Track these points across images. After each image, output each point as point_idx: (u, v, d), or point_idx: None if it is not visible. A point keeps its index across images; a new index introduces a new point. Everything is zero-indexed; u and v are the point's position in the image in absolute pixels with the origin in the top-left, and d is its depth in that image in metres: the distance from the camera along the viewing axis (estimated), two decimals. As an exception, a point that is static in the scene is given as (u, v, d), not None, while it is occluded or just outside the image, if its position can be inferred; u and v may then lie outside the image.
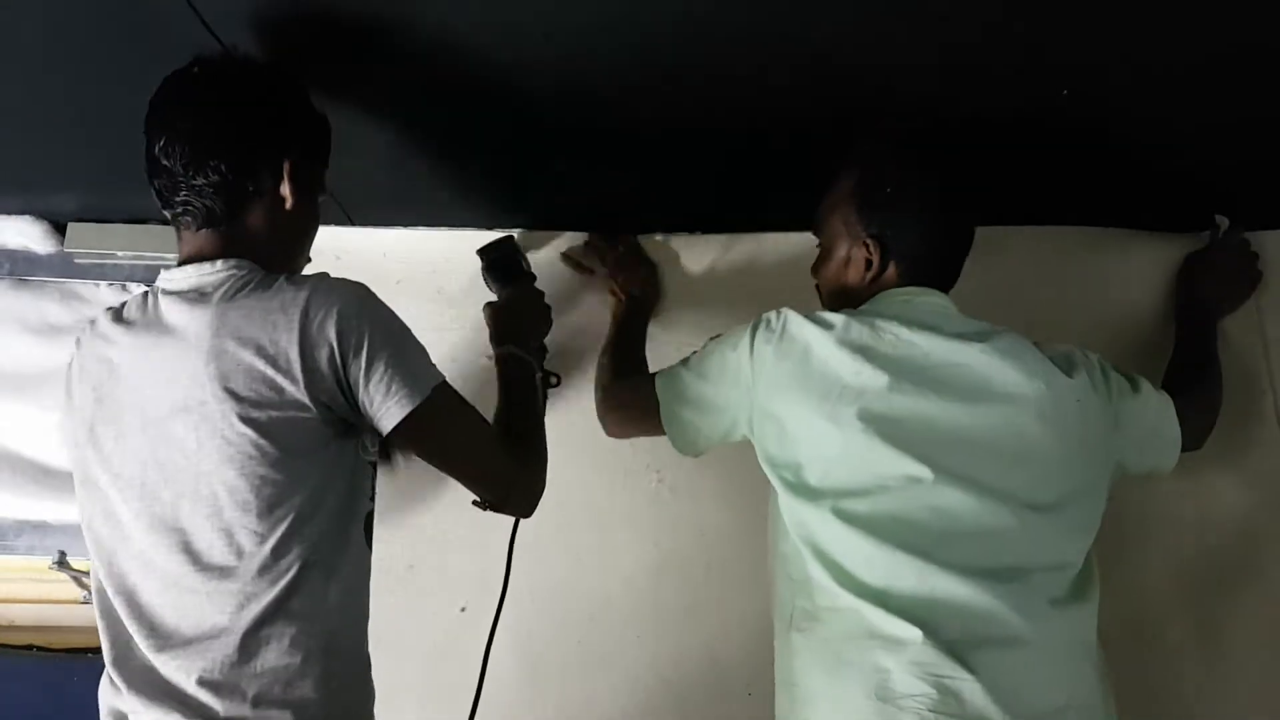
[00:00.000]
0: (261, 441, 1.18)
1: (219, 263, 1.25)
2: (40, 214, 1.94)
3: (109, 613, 1.24)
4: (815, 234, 1.58)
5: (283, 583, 1.19)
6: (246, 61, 1.30)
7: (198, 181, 1.24)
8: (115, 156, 1.69)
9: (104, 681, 1.25)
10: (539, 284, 1.80)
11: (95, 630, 1.81)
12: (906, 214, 1.46)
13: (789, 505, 1.36)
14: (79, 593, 2.06)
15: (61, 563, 1.94)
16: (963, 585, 1.26)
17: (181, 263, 1.28)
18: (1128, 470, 1.47)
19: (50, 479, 1.94)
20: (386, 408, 1.23)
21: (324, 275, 1.26)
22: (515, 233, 1.88)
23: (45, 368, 1.97)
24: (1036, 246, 1.79)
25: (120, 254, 1.95)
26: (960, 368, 1.36)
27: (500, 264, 1.79)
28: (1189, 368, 1.70)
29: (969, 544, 1.29)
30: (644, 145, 1.62)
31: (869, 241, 1.46)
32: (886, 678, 1.24)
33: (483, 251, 1.79)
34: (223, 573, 1.18)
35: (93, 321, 1.31)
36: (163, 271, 1.28)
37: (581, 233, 1.92)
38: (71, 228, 1.94)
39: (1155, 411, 1.50)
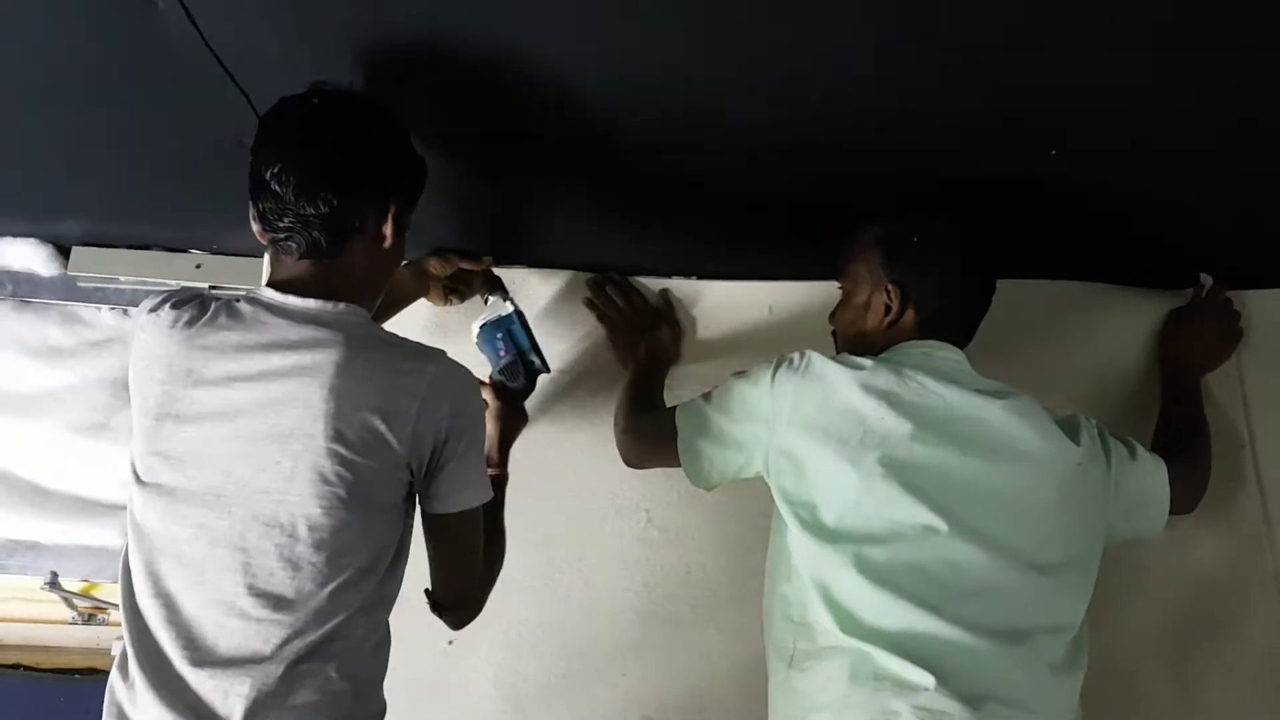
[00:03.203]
0: (355, 488, 1.20)
1: (342, 306, 1.26)
2: (45, 237, 1.95)
3: (139, 615, 1.22)
4: (837, 279, 1.61)
5: (330, 625, 1.21)
6: (364, 98, 1.31)
7: (306, 211, 1.24)
8: (121, 183, 1.73)
9: (115, 681, 1.24)
10: (534, 318, 1.82)
11: (84, 652, 1.82)
12: (930, 264, 1.49)
13: (802, 544, 1.37)
14: (69, 614, 2.06)
15: (53, 584, 1.94)
16: (974, 641, 1.28)
17: (277, 284, 1.28)
18: (1115, 536, 1.49)
19: (45, 500, 1.95)
20: (457, 494, 1.30)
21: (444, 354, 1.29)
22: (518, 271, 1.89)
23: (44, 388, 1.99)
24: (1023, 300, 1.81)
25: (123, 279, 1.96)
26: (981, 423, 1.39)
27: (517, 367, 1.74)
28: (1179, 429, 1.71)
29: (979, 601, 1.31)
30: (653, 189, 1.65)
31: (890, 287, 1.49)
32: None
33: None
34: (278, 603, 1.19)
35: (155, 309, 1.28)
36: (267, 289, 1.28)
37: (586, 272, 1.93)
38: (75, 251, 1.96)
39: (1149, 478, 1.53)
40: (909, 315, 1.50)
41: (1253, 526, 1.78)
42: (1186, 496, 1.60)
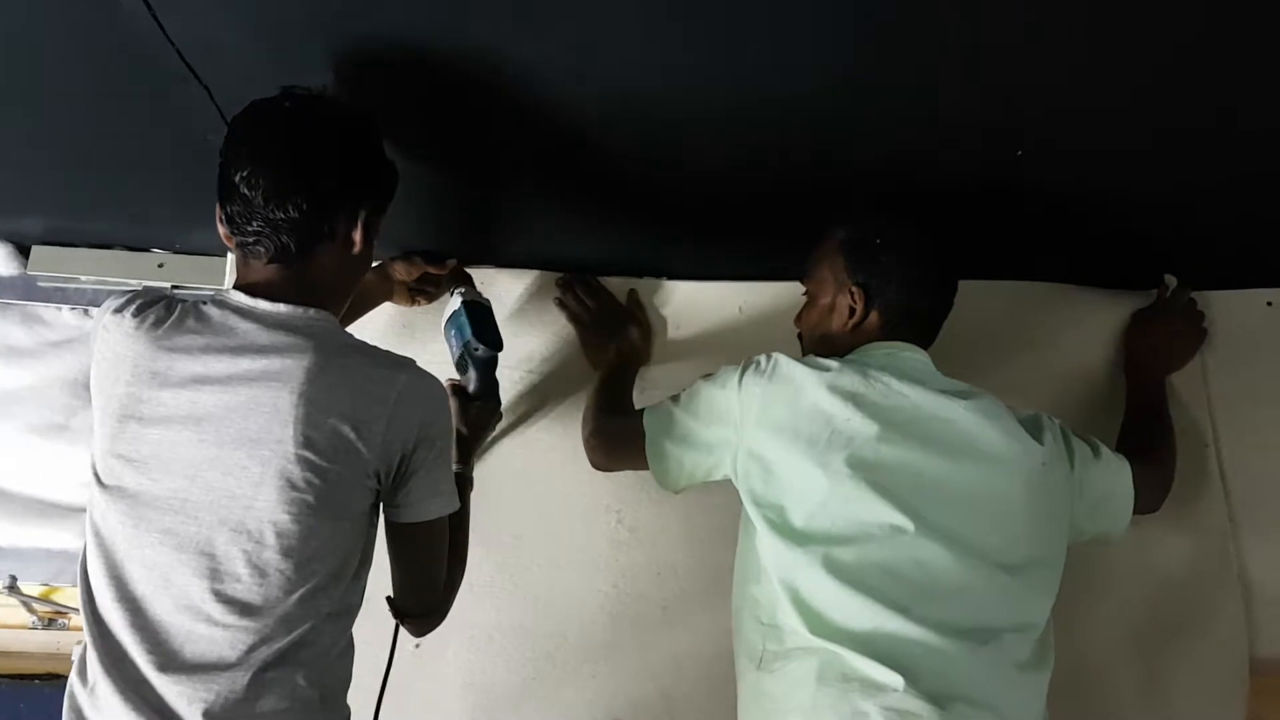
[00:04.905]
0: (324, 495, 1.20)
1: (313, 311, 1.25)
2: (4, 236, 1.92)
3: (101, 619, 1.21)
4: (803, 282, 1.62)
5: (298, 632, 1.20)
6: (335, 103, 1.30)
7: (275, 215, 1.22)
8: (81, 181, 1.72)
9: (75, 686, 1.22)
10: (503, 318, 1.81)
11: (44, 657, 1.79)
12: (893, 265, 1.50)
13: (771, 546, 1.37)
14: (28, 618, 2.03)
15: (12, 587, 1.91)
16: (941, 641, 1.29)
17: (245, 288, 1.26)
18: (1080, 535, 1.51)
19: (3, 502, 1.91)
20: (425, 504, 1.30)
21: (414, 363, 1.29)
22: (487, 270, 1.88)
23: (3, 389, 1.95)
24: (987, 300, 1.82)
25: (84, 278, 1.94)
26: (946, 423, 1.40)
27: (465, 361, 1.73)
28: (1144, 429, 1.73)
29: (946, 601, 1.32)
30: (623, 189, 1.65)
31: (854, 290, 1.50)
32: None
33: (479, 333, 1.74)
34: (244, 609, 1.18)
35: (119, 310, 1.26)
36: (235, 292, 1.26)
37: (555, 271, 1.92)
38: (35, 250, 1.93)
39: (1113, 477, 1.54)
40: (873, 317, 1.51)
41: (1217, 526, 1.79)
42: (1151, 496, 1.62)
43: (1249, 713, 1.71)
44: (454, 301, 1.75)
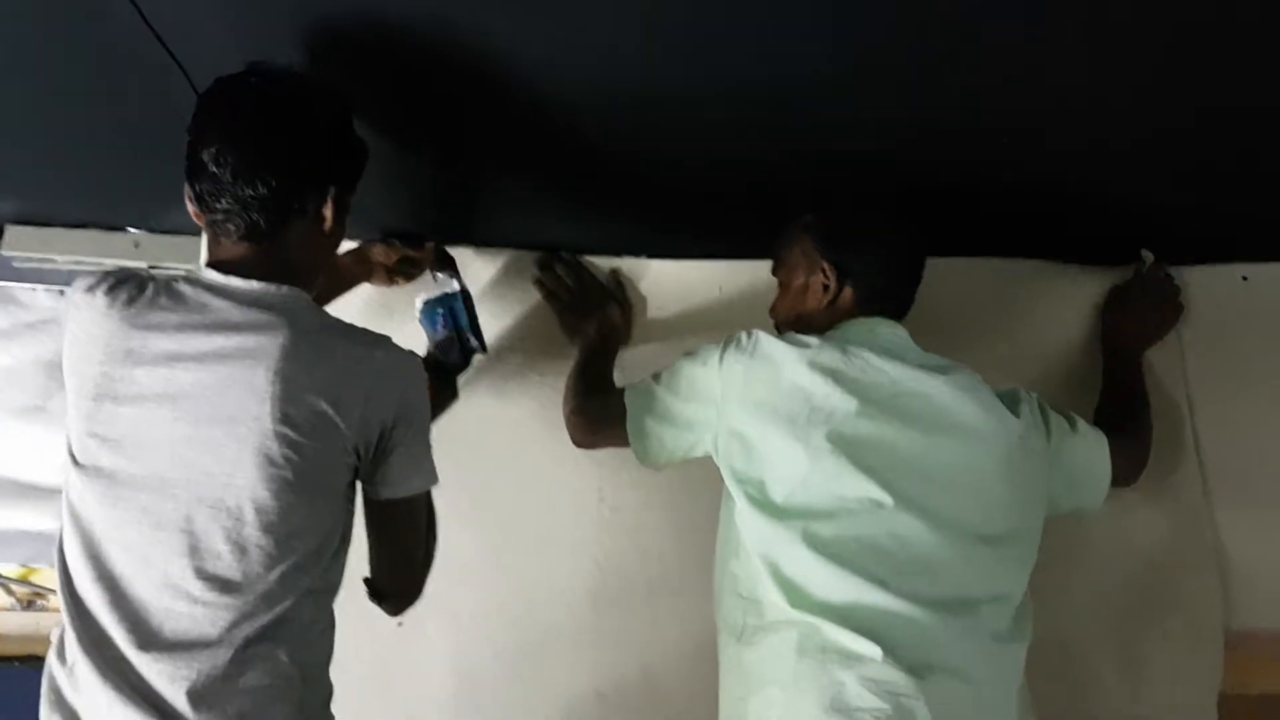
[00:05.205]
0: (303, 472, 1.19)
1: (285, 288, 1.25)
2: (-22, 216, 1.90)
3: (80, 599, 1.20)
4: (774, 272, 1.63)
5: (279, 609, 1.20)
6: (303, 78, 1.29)
7: (245, 192, 1.22)
8: (56, 161, 1.70)
9: (53, 666, 1.22)
10: (481, 297, 1.81)
11: (23, 639, 1.78)
12: (863, 242, 1.52)
13: (751, 521, 1.38)
14: (7, 600, 2.02)
15: (-11, 569, 1.91)
16: (920, 613, 1.30)
17: (217, 265, 1.26)
18: (1056, 508, 1.52)
19: (-20, 484, 1.91)
20: (405, 480, 1.30)
21: (390, 339, 1.29)
22: (465, 250, 1.88)
23: (-21, 370, 1.95)
24: (964, 278, 1.83)
25: (59, 258, 1.92)
26: (924, 398, 1.41)
27: (453, 344, 1.75)
28: (1120, 404, 1.74)
29: (924, 574, 1.33)
30: (603, 168, 1.65)
31: (826, 267, 1.51)
32: (841, 690, 1.27)
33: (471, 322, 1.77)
34: (225, 586, 1.18)
35: (91, 289, 1.25)
36: (207, 270, 1.25)
37: (535, 251, 1.91)
38: (10, 230, 1.91)
39: (1090, 450, 1.56)
40: (847, 293, 1.52)
41: (1192, 499, 1.81)
42: (1128, 469, 1.64)
43: (1224, 685, 1.73)
44: (450, 284, 1.77)
